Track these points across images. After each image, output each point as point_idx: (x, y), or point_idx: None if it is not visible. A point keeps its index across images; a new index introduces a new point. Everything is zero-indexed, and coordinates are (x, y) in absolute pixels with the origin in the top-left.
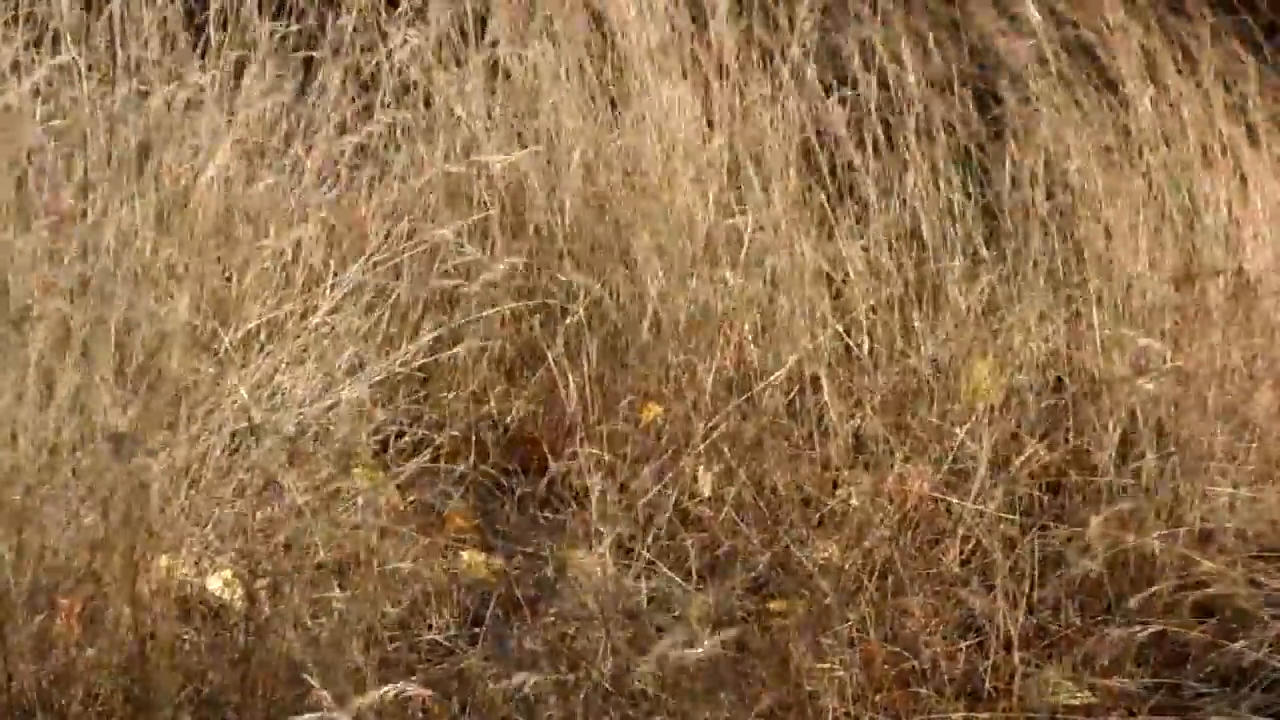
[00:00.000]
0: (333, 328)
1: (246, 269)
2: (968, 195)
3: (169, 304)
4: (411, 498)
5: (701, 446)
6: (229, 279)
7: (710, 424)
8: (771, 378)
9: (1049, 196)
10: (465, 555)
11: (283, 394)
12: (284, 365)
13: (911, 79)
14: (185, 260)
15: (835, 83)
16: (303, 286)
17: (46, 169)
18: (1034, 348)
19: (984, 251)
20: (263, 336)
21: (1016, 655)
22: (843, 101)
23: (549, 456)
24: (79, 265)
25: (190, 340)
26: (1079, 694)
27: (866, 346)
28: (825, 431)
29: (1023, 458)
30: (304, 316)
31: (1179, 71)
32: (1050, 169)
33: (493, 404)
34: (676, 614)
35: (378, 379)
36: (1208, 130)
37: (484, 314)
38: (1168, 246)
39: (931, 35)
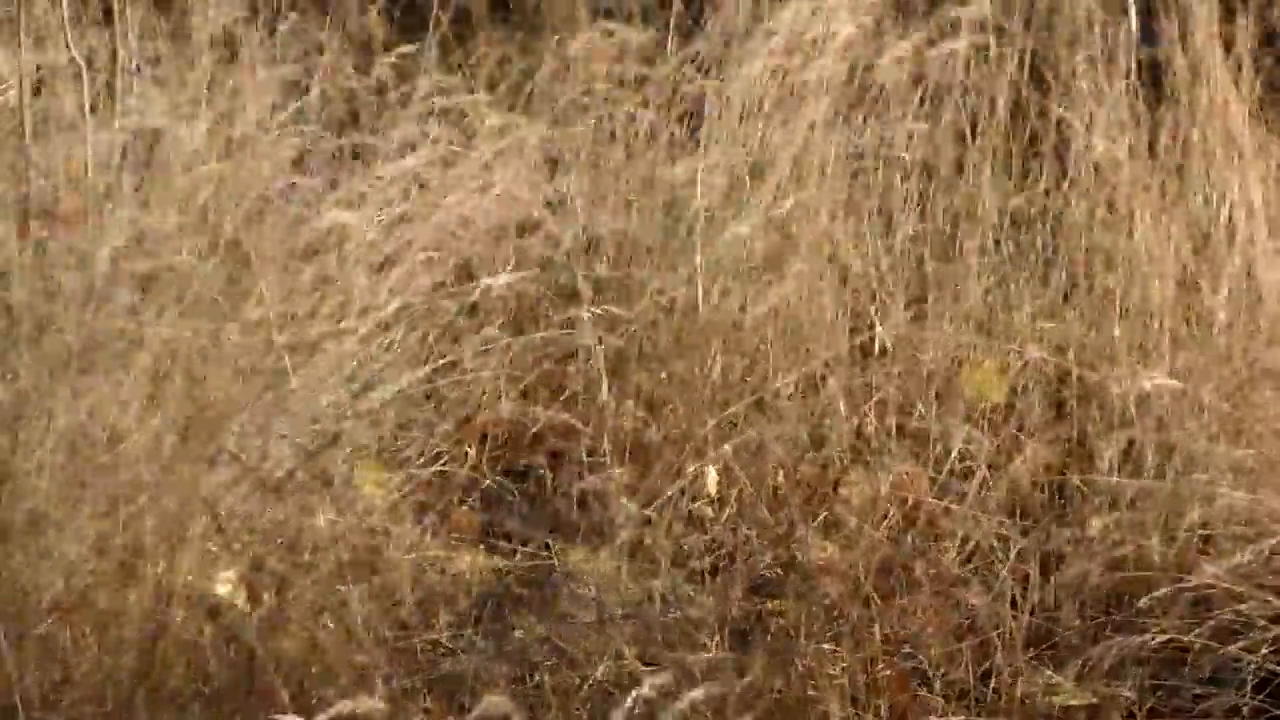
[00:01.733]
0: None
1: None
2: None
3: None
4: (419, 499)
5: (711, 449)
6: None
7: (718, 424)
8: (787, 380)
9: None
10: (469, 556)
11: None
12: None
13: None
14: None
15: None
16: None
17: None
18: (1036, 348)
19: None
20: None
21: (1017, 657)
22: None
23: (555, 457)
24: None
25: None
26: (1080, 696)
27: (878, 346)
28: (828, 431)
29: (1023, 459)
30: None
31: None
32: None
33: (500, 404)
34: (679, 614)
35: (395, 389)
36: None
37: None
38: (1179, 249)
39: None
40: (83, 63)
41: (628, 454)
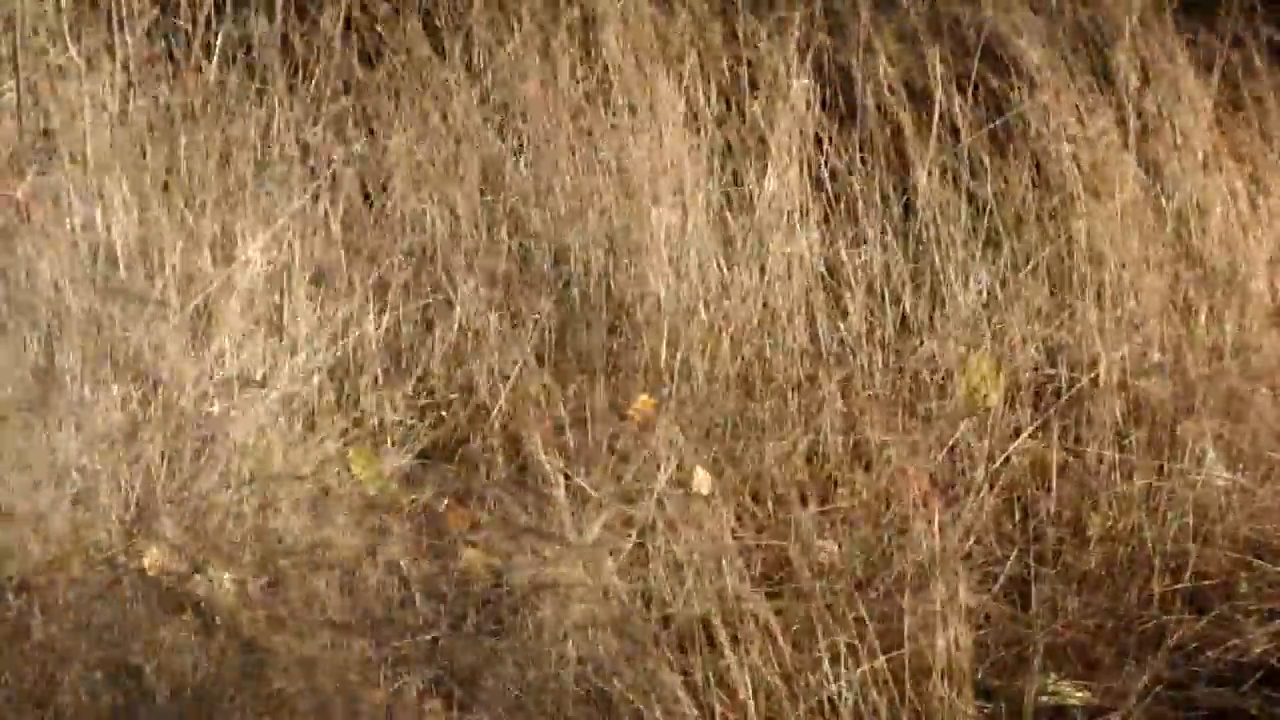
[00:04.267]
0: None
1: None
2: (966, 192)
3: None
4: (412, 496)
5: (699, 444)
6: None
7: (709, 420)
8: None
9: (1046, 192)
10: (463, 553)
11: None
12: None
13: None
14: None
15: (836, 80)
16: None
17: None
18: (1031, 345)
19: (980, 249)
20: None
21: (1016, 653)
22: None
23: (545, 452)
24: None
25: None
26: (1079, 693)
27: (865, 344)
28: (824, 429)
29: (1020, 455)
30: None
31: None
32: (1049, 165)
33: (484, 396)
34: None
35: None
36: (1214, 128)
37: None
38: (1165, 243)
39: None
40: (82, 63)
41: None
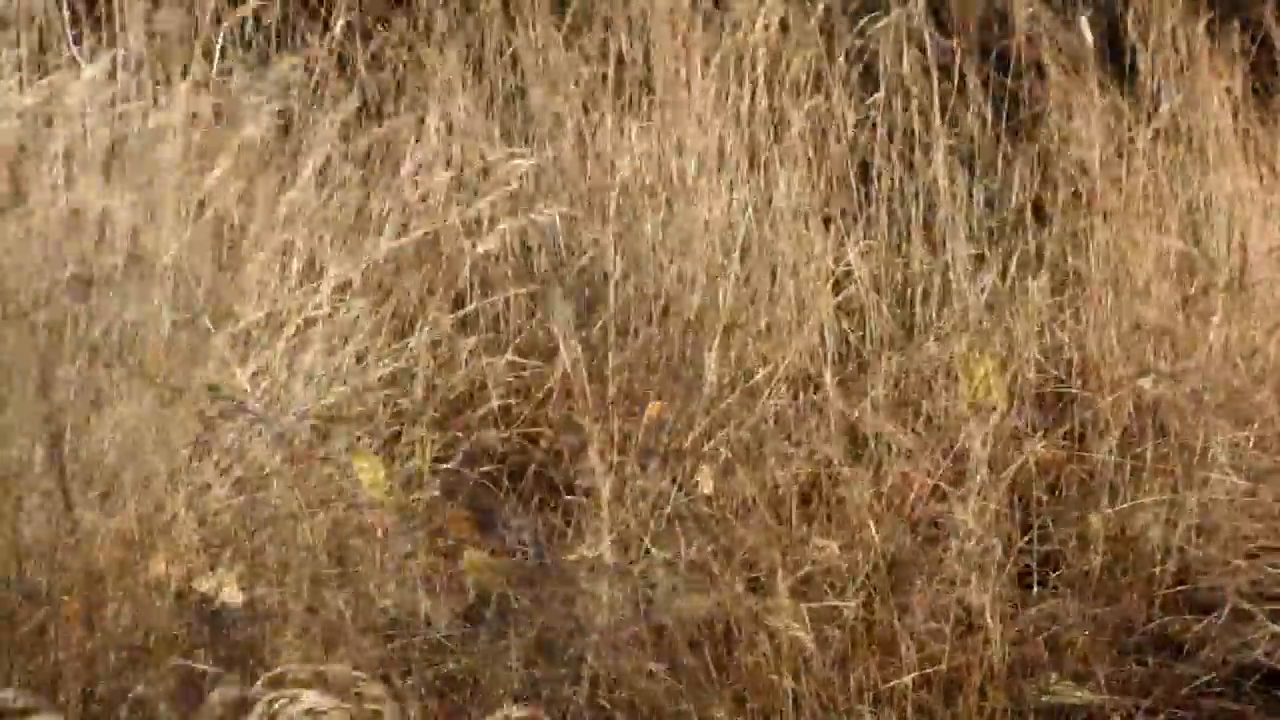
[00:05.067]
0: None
1: (244, 266)
2: (974, 191)
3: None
4: (415, 496)
5: (705, 444)
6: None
7: (712, 420)
8: (773, 375)
9: (1054, 191)
10: (466, 554)
11: (283, 388)
12: (281, 356)
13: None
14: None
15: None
16: (300, 280)
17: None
18: (1036, 345)
19: (988, 248)
20: (263, 333)
21: (1017, 653)
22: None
23: (552, 453)
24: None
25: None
26: (1079, 692)
27: (869, 342)
28: (827, 428)
29: (1023, 455)
30: (300, 311)
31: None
32: (1059, 163)
33: (494, 401)
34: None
35: (385, 371)
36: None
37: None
38: (1172, 242)
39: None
40: (83, 61)
41: (622, 449)
